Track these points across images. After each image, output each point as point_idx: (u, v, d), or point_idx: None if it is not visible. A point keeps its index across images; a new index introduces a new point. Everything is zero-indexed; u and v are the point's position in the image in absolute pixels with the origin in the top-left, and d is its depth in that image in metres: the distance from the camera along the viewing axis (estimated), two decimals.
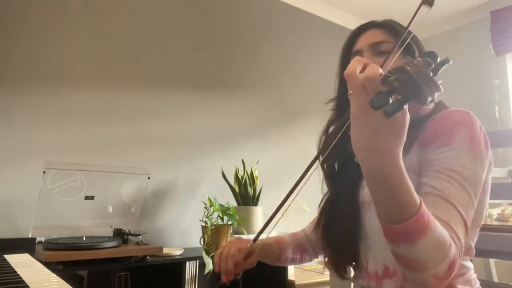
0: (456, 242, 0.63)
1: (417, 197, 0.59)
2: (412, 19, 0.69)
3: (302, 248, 1.05)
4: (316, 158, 0.76)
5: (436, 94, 0.50)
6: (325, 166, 0.95)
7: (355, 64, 0.56)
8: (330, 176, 0.95)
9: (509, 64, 2.95)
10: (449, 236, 0.62)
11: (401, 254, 0.61)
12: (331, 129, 0.95)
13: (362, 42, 0.89)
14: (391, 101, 0.50)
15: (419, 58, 0.51)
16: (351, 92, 0.56)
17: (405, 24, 0.90)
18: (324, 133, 0.96)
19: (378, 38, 0.87)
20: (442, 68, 0.52)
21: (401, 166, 0.58)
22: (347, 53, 0.92)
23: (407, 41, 0.79)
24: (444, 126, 0.75)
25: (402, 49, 0.76)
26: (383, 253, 0.81)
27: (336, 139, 0.67)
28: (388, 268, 0.81)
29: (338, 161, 0.93)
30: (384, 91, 0.51)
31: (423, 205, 0.60)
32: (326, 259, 0.94)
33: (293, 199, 0.73)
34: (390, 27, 0.89)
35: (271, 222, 0.77)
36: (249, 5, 2.72)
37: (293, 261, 1.03)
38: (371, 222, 0.85)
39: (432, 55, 0.51)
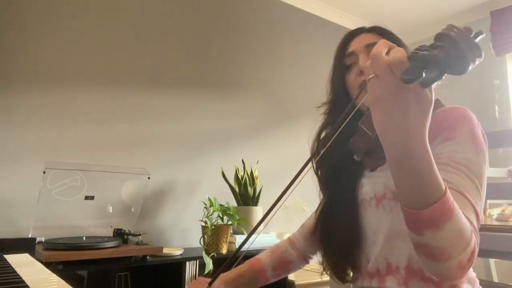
0: (474, 230, 0.63)
1: (441, 180, 0.59)
2: None
3: (284, 262, 1.02)
4: (310, 159, 0.74)
5: (478, 61, 0.48)
6: (319, 172, 0.95)
7: (381, 46, 0.54)
8: (325, 182, 0.94)
9: (509, 64, 2.96)
10: (468, 222, 0.62)
11: (425, 242, 0.60)
12: (323, 134, 0.95)
13: (356, 44, 0.90)
14: (424, 73, 0.48)
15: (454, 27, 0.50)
16: (373, 76, 0.55)
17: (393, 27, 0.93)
18: (316, 139, 0.95)
19: (373, 39, 0.88)
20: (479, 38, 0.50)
21: (428, 147, 0.57)
22: (341, 56, 0.92)
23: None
24: (444, 122, 0.76)
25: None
26: (386, 251, 0.81)
27: (331, 141, 0.66)
28: (391, 265, 0.81)
29: (333, 164, 0.91)
30: (416, 65, 0.49)
31: (447, 188, 0.59)
32: (325, 264, 0.92)
33: (277, 210, 0.66)
34: (381, 30, 0.91)
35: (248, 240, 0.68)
36: (249, 5, 2.72)
37: (278, 277, 1.01)
38: (371, 220, 0.84)
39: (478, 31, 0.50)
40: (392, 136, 0.56)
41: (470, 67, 0.48)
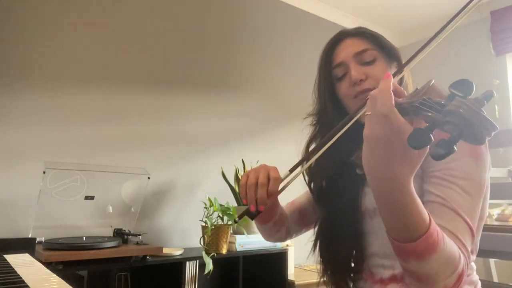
0: (464, 253, 0.63)
1: (426, 216, 0.59)
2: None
3: (284, 219, 0.99)
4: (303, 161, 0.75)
5: (493, 133, 0.46)
6: (312, 185, 0.91)
7: (389, 84, 0.55)
8: (321, 194, 0.91)
9: (509, 64, 2.95)
10: (457, 249, 0.62)
11: (411, 269, 0.61)
12: (312, 146, 0.92)
13: (343, 53, 0.86)
14: (432, 138, 0.47)
15: (466, 97, 0.47)
16: (370, 113, 0.55)
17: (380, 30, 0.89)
18: (305, 152, 0.93)
19: (360, 46, 0.85)
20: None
21: (413, 191, 0.58)
22: (329, 67, 0.89)
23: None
24: None
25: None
26: (392, 261, 0.79)
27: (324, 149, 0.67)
28: (395, 276, 0.79)
29: (329, 176, 0.88)
30: (422, 129, 0.48)
31: (432, 223, 0.60)
32: (327, 279, 0.88)
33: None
34: (365, 34, 0.87)
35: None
36: (250, 5, 2.72)
37: (275, 226, 0.96)
38: (378, 229, 0.82)
39: (487, 94, 0.48)
40: (377, 181, 0.58)
41: (486, 140, 0.47)
